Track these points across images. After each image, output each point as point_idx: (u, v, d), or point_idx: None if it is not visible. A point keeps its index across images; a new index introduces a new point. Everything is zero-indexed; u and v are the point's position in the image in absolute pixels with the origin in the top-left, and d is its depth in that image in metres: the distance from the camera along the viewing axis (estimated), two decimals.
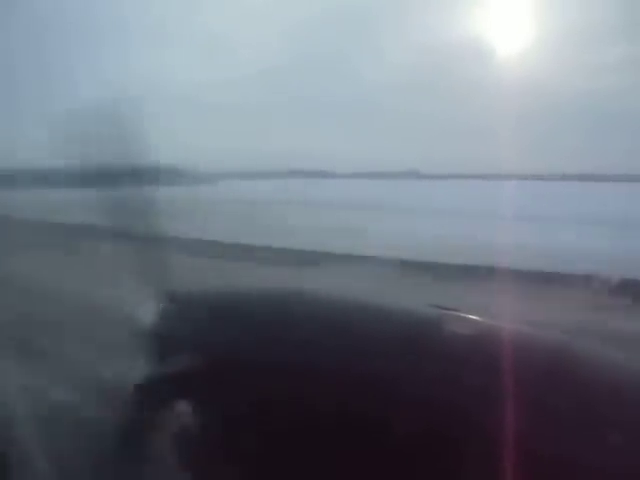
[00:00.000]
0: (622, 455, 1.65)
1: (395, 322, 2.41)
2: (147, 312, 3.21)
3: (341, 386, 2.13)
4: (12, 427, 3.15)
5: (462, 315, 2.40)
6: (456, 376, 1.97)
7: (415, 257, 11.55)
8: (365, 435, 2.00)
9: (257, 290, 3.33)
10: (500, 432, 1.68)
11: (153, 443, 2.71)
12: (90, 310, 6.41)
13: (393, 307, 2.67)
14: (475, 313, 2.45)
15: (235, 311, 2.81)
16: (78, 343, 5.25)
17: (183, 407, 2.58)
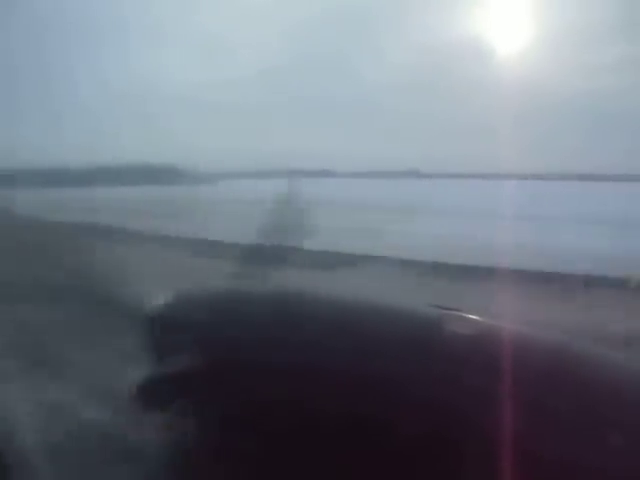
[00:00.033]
0: (622, 455, 1.66)
1: (396, 322, 2.41)
2: (147, 312, 3.21)
3: (341, 386, 2.13)
4: (13, 427, 3.15)
5: (463, 315, 2.41)
6: (457, 376, 1.98)
7: (416, 257, 11.54)
8: (366, 435, 2.00)
9: (257, 290, 3.33)
10: (500, 432, 1.68)
11: (153, 443, 2.72)
12: (90, 309, 6.41)
13: (394, 307, 2.67)
14: (475, 313, 2.45)
15: (235, 311, 2.82)
16: (78, 342, 5.25)
17: (183, 407, 2.59)
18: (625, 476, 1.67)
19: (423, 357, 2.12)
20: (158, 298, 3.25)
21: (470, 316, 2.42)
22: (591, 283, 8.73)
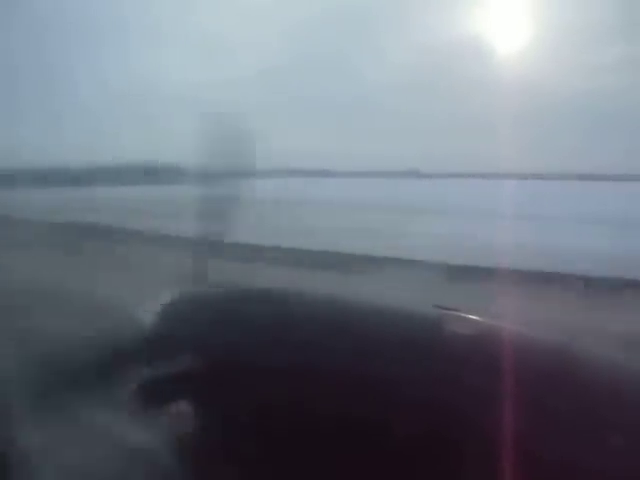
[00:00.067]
0: (623, 457, 1.66)
1: (395, 323, 2.41)
2: (148, 312, 3.21)
3: (341, 387, 2.13)
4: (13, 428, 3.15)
5: (463, 315, 2.41)
6: (457, 377, 1.98)
7: (417, 257, 11.55)
8: (366, 437, 2.00)
9: (258, 291, 3.33)
10: (500, 434, 1.69)
11: (152, 443, 2.72)
12: (90, 309, 6.41)
13: (394, 308, 2.67)
14: (475, 313, 2.45)
15: (236, 311, 2.82)
16: (78, 342, 5.25)
17: (184, 408, 2.59)
18: (625, 477, 1.67)
19: (422, 358, 2.12)
20: (158, 298, 3.25)
21: (469, 316, 2.42)
22: (590, 284, 8.74)
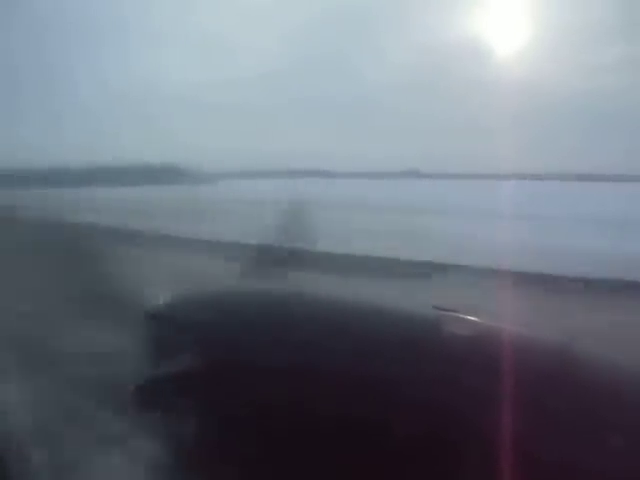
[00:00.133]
0: (621, 457, 1.66)
1: (395, 324, 2.42)
2: (149, 312, 3.22)
3: (340, 387, 2.13)
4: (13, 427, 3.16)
5: (462, 317, 2.41)
6: (456, 378, 1.98)
7: (418, 257, 11.53)
8: (365, 436, 2.01)
9: (258, 291, 3.33)
10: (499, 433, 1.69)
11: (153, 442, 2.72)
12: (91, 309, 6.41)
13: (394, 308, 2.67)
14: (474, 314, 2.46)
15: (236, 311, 2.82)
16: (79, 342, 5.25)
17: (184, 407, 2.60)
18: (625, 478, 1.68)
19: (421, 358, 2.12)
20: (158, 298, 3.25)
21: (468, 317, 2.42)
22: (589, 285, 8.72)
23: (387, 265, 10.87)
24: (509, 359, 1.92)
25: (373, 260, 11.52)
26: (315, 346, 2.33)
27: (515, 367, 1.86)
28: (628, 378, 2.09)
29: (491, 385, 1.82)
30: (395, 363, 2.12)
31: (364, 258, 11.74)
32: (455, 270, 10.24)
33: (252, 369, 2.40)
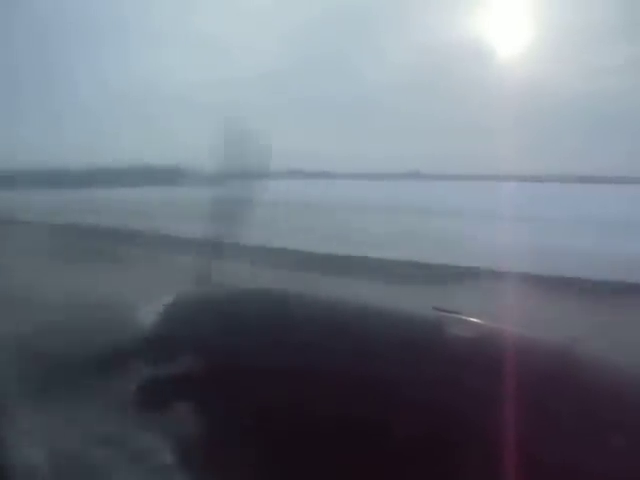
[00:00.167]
0: (624, 458, 1.65)
1: (396, 325, 2.41)
2: (149, 313, 3.21)
3: (341, 388, 2.13)
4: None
5: (463, 318, 2.40)
6: (457, 379, 1.97)
7: (419, 258, 11.52)
8: (367, 437, 2.00)
9: (258, 291, 3.33)
10: (501, 434, 1.68)
11: (153, 442, 2.71)
12: (92, 310, 6.40)
13: (394, 310, 2.67)
14: (476, 316, 2.45)
15: (236, 312, 2.82)
16: (78, 344, 5.24)
17: (184, 408, 2.59)
18: (626, 478, 1.67)
19: (423, 360, 2.11)
20: (159, 299, 3.25)
21: (470, 319, 2.42)
22: (591, 287, 8.71)
23: (387, 266, 10.86)
24: (510, 360, 1.91)
25: (372, 261, 11.51)
26: (315, 348, 2.32)
27: (516, 368, 1.85)
28: (630, 380, 2.08)
29: (493, 386, 1.81)
30: (396, 364, 2.11)
31: (363, 259, 11.74)
32: (457, 271, 10.23)
33: (252, 370, 2.40)
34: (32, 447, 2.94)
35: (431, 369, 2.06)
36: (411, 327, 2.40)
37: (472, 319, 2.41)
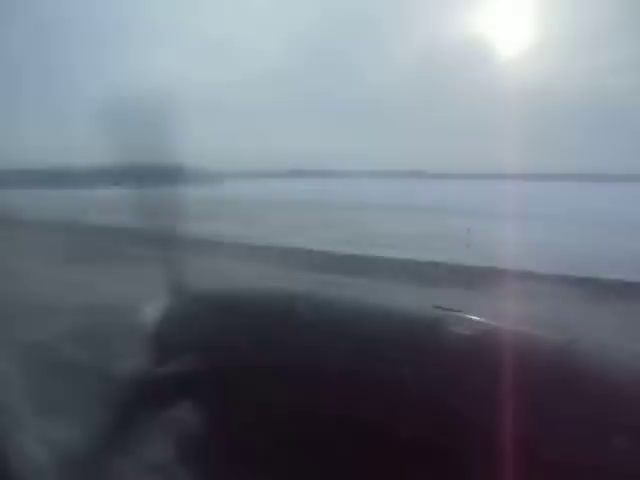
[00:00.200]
0: (625, 458, 1.65)
1: (397, 324, 2.40)
2: (151, 312, 3.21)
3: (341, 389, 2.12)
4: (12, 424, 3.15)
5: (464, 316, 2.39)
6: (458, 378, 1.97)
7: (423, 257, 11.52)
8: (367, 438, 2.00)
9: (259, 291, 3.32)
10: (502, 434, 1.68)
11: (154, 442, 2.72)
12: (93, 309, 6.42)
13: (395, 309, 2.66)
14: (477, 314, 2.44)
15: (237, 313, 2.81)
16: (80, 342, 5.25)
17: (186, 407, 2.59)
18: (627, 478, 1.66)
19: (424, 359, 2.11)
20: (159, 299, 3.25)
21: (471, 317, 2.40)
22: (592, 285, 8.71)
23: (388, 265, 10.86)
24: (511, 359, 1.90)
25: (372, 261, 11.52)
26: (316, 347, 2.32)
27: (517, 367, 1.85)
28: (631, 378, 2.07)
29: (493, 385, 1.80)
30: (397, 364, 2.10)
31: (364, 258, 11.74)
32: (458, 270, 10.23)
33: (253, 370, 2.39)
34: (35, 448, 2.94)
35: (434, 368, 2.05)
36: (412, 325, 2.39)
37: (473, 317, 2.40)
